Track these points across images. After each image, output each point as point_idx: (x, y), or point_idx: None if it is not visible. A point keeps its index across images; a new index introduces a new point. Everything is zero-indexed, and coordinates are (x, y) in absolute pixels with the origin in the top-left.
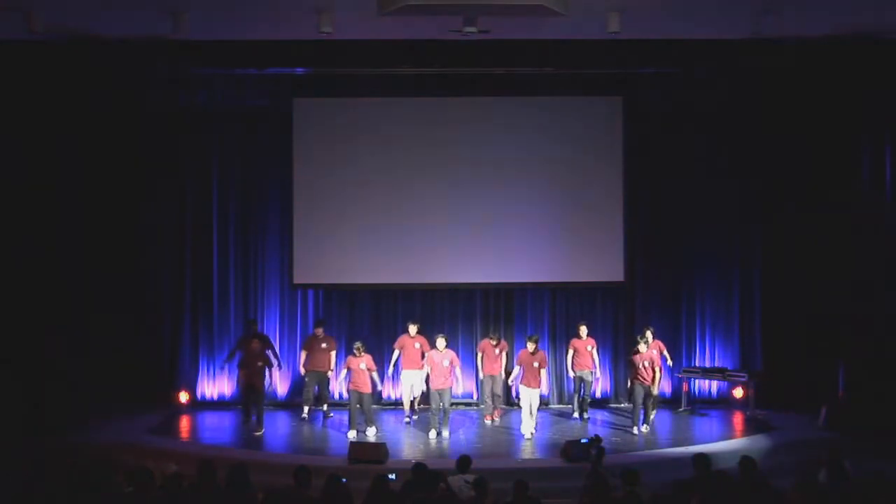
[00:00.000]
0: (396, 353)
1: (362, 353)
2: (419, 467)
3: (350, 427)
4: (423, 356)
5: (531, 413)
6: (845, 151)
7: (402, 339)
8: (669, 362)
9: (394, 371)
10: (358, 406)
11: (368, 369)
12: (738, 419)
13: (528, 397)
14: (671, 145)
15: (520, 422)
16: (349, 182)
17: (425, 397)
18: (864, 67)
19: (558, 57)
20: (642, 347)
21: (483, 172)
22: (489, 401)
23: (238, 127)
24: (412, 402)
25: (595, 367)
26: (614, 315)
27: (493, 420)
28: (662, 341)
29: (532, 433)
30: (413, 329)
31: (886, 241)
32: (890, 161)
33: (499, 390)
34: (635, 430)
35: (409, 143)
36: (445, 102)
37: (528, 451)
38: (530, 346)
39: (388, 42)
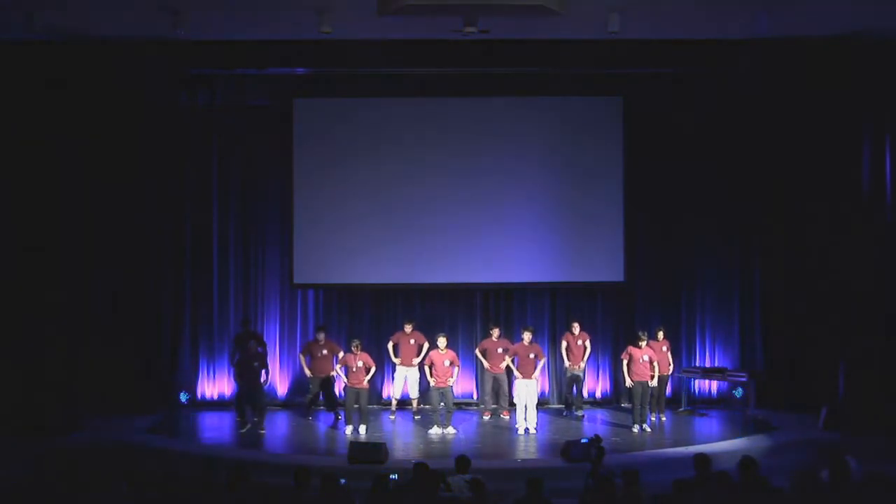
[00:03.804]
0: (391, 346)
1: (360, 351)
2: (420, 467)
3: (346, 423)
4: (418, 352)
5: (526, 407)
6: (845, 151)
7: (398, 335)
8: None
9: (393, 370)
10: (356, 405)
11: (366, 367)
12: (737, 419)
13: (523, 389)
14: (671, 145)
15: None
16: (349, 182)
17: (425, 397)
18: (864, 67)
19: (558, 57)
20: (643, 343)
21: (483, 172)
22: (488, 398)
23: (238, 127)
24: (414, 401)
25: (583, 360)
26: (614, 315)
27: (490, 416)
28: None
29: (527, 429)
30: (409, 327)
31: (887, 240)
32: (890, 161)
33: (505, 390)
34: (635, 429)
35: (409, 142)
36: (445, 102)
37: (528, 451)
38: (526, 337)
39: (388, 42)
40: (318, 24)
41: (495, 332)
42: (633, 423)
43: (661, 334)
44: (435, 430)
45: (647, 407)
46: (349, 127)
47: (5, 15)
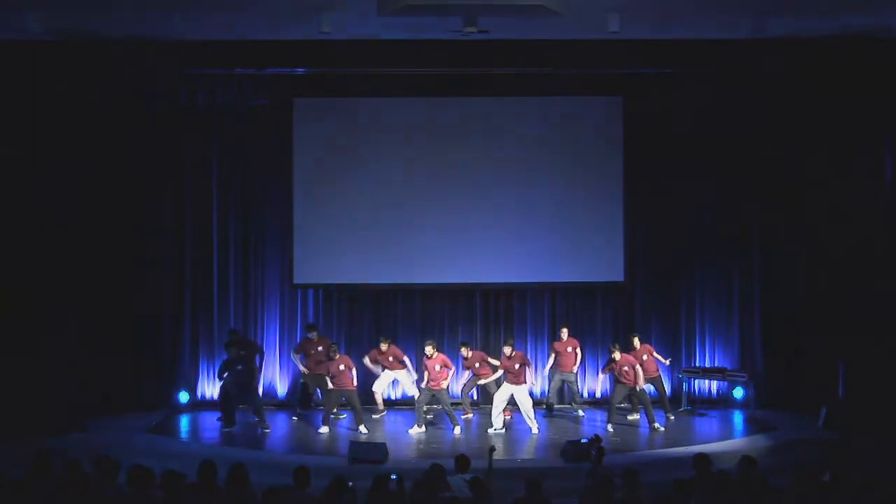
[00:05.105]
0: (370, 364)
1: (338, 356)
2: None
3: (323, 423)
4: (401, 363)
5: (500, 406)
6: (845, 151)
7: (373, 354)
8: (666, 362)
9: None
10: (345, 405)
11: (348, 368)
12: (738, 419)
13: (508, 393)
14: (671, 146)
15: (522, 422)
16: (349, 182)
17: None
18: (864, 67)
19: (558, 57)
20: (616, 356)
21: (483, 172)
22: (467, 399)
23: (238, 127)
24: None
25: (576, 366)
26: (614, 315)
27: (471, 415)
28: (662, 341)
29: (501, 429)
30: (384, 346)
31: (886, 241)
32: (890, 161)
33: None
34: (609, 428)
35: (408, 143)
36: (445, 102)
37: (528, 451)
38: (507, 351)
39: (388, 42)
40: (318, 24)
41: (463, 349)
42: (608, 421)
43: (636, 341)
44: (414, 430)
45: (650, 407)
46: (349, 127)
47: (5, 15)
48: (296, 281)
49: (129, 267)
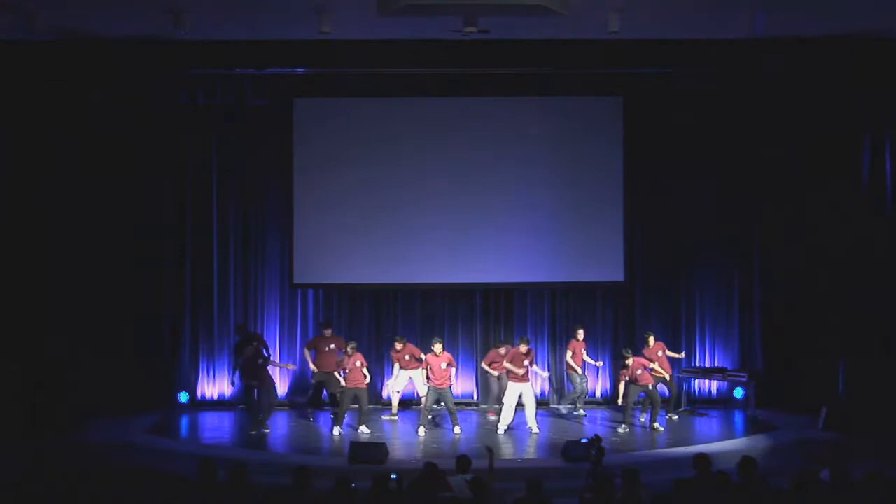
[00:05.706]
0: (397, 367)
1: (354, 352)
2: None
3: (335, 423)
4: (417, 360)
5: (511, 407)
6: (845, 151)
7: (393, 354)
8: (680, 355)
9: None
10: (354, 406)
11: (362, 365)
12: (738, 419)
13: (517, 393)
14: (671, 145)
15: (524, 422)
16: (349, 182)
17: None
18: (864, 67)
19: (558, 57)
20: (629, 361)
21: (483, 172)
22: (493, 399)
23: (238, 127)
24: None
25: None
26: (614, 315)
27: (496, 416)
28: (662, 342)
29: (504, 429)
30: (398, 345)
31: (887, 240)
32: (890, 161)
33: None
34: (621, 429)
35: (409, 143)
36: (445, 102)
37: (528, 451)
38: (523, 348)
39: (388, 42)
40: (318, 24)
41: (502, 350)
42: (623, 422)
43: (651, 339)
44: (422, 430)
45: (659, 407)
46: (349, 127)
47: (5, 15)
48: (296, 281)
49: (129, 267)
